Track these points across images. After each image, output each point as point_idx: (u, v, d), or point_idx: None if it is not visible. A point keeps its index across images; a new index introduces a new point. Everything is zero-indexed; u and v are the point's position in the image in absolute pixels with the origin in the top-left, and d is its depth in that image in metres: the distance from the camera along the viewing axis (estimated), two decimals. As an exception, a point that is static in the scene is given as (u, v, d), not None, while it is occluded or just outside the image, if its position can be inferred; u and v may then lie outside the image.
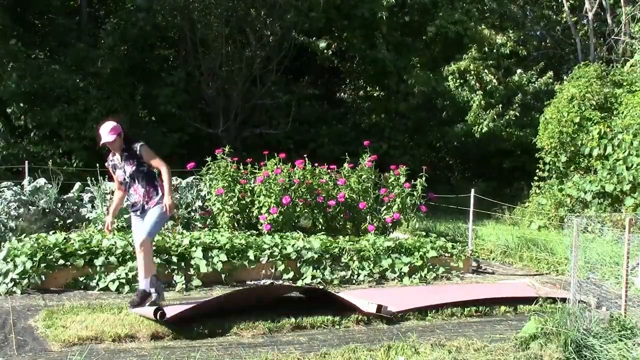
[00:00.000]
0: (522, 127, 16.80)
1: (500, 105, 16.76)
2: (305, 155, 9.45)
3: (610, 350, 4.31)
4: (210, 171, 8.91)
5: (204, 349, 4.59)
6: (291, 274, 7.02)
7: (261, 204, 8.55)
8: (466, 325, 5.58)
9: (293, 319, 5.30)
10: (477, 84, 17.08)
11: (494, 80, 17.09)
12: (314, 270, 7.04)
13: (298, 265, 7.10)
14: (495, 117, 16.58)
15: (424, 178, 9.26)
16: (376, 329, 5.34)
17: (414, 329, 5.35)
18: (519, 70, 17.90)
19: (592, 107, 13.04)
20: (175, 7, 16.60)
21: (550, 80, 17.47)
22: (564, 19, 20.67)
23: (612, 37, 18.83)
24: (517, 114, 16.53)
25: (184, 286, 6.47)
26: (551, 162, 13.48)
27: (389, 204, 9.11)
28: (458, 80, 17.51)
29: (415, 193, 9.19)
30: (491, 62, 17.85)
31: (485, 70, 17.27)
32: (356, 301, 5.71)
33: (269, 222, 8.32)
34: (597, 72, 13.92)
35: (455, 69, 17.40)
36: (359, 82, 21.39)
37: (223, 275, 6.79)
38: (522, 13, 21.81)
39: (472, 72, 17.17)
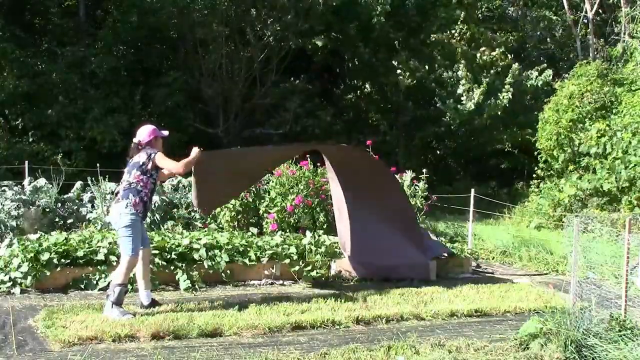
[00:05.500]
0: (521, 126, 16.78)
1: (497, 92, 16.72)
2: (307, 156, 9.46)
3: (610, 350, 4.31)
4: None
5: (204, 349, 4.59)
6: (296, 268, 7.07)
7: (274, 202, 8.57)
8: (466, 325, 5.59)
9: (293, 319, 5.31)
10: (462, 60, 17.02)
11: (492, 53, 17.01)
12: (316, 270, 7.07)
13: (301, 264, 7.13)
14: (485, 90, 16.42)
15: (424, 180, 9.30)
16: (376, 329, 5.34)
17: (414, 328, 5.35)
18: (515, 65, 17.84)
19: (591, 105, 13.06)
20: (175, 6, 16.59)
21: (549, 78, 17.46)
22: (565, 19, 20.67)
23: (612, 37, 18.83)
24: (510, 97, 16.44)
25: (185, 286, 6.47)
26: (549, 161, 13.50)
27: None
28: (445, 62, 17.50)
29: (416, 194, 9.24)
30: (483, 49, 17.80)
31: (481, 52, 17.23)
32: None
33: (275, 221, 8.35)
34: (597, 71, 13.94)
35: (440, 39, 17.36)
36: (357, 81, 21.41)
37: (224, 275, 6.79)
38: (522, 13, 21.83)
39: (462, 50, 17.11)
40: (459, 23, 17.40)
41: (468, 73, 16.72)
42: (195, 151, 5.59)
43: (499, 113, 16.62)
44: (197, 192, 5.93)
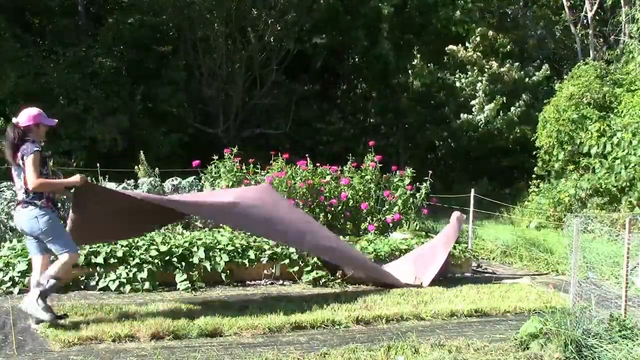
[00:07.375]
0: (521, 124, 16.83)
1: (505, 98, 16.82)
2: (306, 155, 9.48)
3: (610, 350, 4.30)
4: (216, 169, 8.97)
5: (204, 349, 4.59)
6: (296, 268, 7.07)
7: None
8: (466, 325, 5.59)
9: (293, 319, 5.31)
10: (478, 71, 17.16)
11: (501, 69, 17.12)
12: (315, 271, 7.07)
13: (301, 264, 7.12)
14: (500, 106, 16.59)
15: (428, 182, 9.32)
16: (376, 329, 5.34)
17: (414, 328, 5.35)
18: (519, 66, 17.89)
19: (591, 105, 13.06)
20: (176, 6, 16.62)
21: (548, 76, 17.52)
22: (564, 20, 20.67)
23: (612, 37, 18.81)
24: (522, 109, 16.62)
25: (185, 286, 6.47)
26: (549, 161, 13.50)
27: (391, 204, 9.14)
28: (458, 70, 17.58)
29: (418, 195, 9.25)
30: (493, 58, 17.91)
31: (491, 62, 17.30)
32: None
33: None
34: (597, 72, 13.94)
35: (456, 51, 17.44)
36: (359, 80, 21.43)
37: (224, 275, 6.79)
38: (522, 14, 21.84)
39: (475, 59, 17.22)
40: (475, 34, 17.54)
41: (488, 86, 16.86)
42: (75, 178, 5.09)
43: (505, 126, 16.78)
44: (71, 222, 5.33)
